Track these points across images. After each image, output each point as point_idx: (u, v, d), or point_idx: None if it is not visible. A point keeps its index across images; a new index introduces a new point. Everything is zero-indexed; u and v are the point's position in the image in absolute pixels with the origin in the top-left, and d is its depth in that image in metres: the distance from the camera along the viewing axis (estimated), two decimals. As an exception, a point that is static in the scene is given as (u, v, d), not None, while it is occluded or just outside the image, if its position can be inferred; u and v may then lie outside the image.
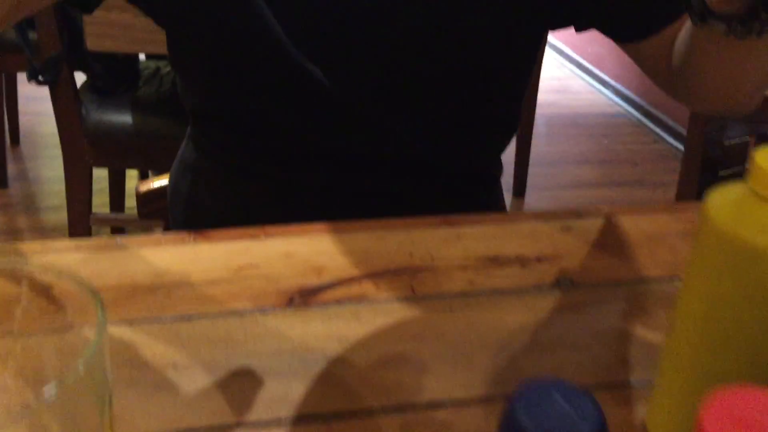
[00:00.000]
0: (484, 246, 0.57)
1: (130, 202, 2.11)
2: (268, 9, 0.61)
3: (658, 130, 3.04)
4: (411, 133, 0.68)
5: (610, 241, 0.59)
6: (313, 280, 0.53)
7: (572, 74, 3.63)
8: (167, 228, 0.85)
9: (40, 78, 1.41)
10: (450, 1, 0.62)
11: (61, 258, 0.54)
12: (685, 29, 0.61)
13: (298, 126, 0.68)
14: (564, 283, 0.54)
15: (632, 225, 0.62)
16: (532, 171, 2.48)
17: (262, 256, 0.55)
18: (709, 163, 1.15)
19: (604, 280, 0.54)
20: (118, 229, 1.77)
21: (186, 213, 0.77)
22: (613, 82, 3.33)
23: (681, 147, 2.88)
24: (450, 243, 0.57)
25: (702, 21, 0.50)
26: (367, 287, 0.52)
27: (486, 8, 0.63)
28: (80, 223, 1.60)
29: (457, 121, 0.70)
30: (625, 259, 0.57)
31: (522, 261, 0.56)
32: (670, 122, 2.97)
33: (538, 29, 0.69)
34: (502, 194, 0.81)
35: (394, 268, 0.55)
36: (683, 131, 2.65)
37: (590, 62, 3.54)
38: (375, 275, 0.54)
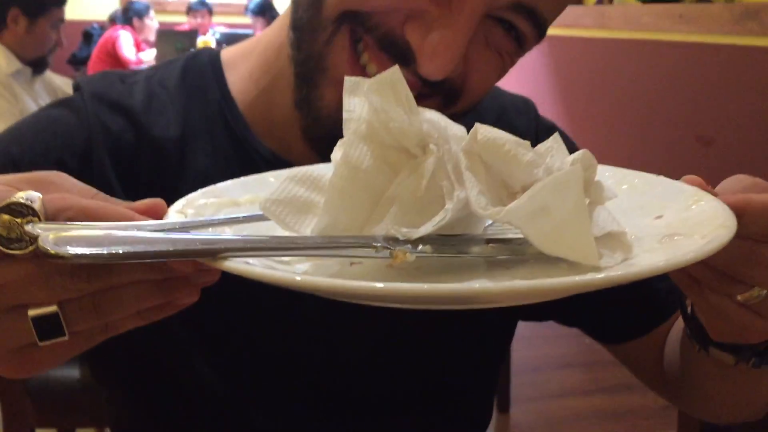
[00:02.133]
0: None
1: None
2: (199, 357, 0.54)
3: (638, 325, 2.98)
4: None
5: None
6: None
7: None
8: None
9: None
10: (416, 323, 0.56)
11: None
12: (678, 334, 0.55)
13: None
14: None
15: None
16: (516, 380, 2.36)
17: None
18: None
19: None
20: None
21: None
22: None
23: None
24: None
25: (704, 350, 0.44)
26: None
27: (456, 324, 0.57)
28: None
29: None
30: None
31: None
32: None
33: (513, 328, 0.63)
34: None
35: None
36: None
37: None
38: None
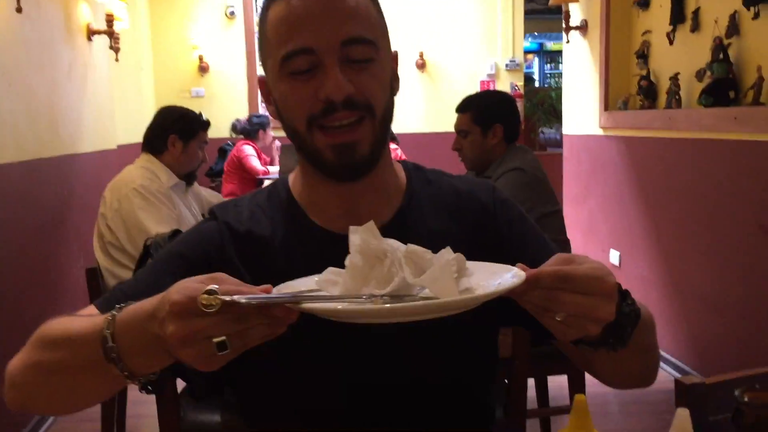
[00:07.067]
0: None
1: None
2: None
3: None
4: None
5: None
6: None
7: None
8: None
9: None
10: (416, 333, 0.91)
11: None
12: None
13: None
14: None
15: None
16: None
17: None
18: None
19: None
20: None
21: None
22: (671, 358, 3.45)
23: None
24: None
25: (575, 344, 0.82)
26: None
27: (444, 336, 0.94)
28: None
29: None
30: None
31: None
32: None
33: (492, 333, 1.03)
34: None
35: None
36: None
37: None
38: None
